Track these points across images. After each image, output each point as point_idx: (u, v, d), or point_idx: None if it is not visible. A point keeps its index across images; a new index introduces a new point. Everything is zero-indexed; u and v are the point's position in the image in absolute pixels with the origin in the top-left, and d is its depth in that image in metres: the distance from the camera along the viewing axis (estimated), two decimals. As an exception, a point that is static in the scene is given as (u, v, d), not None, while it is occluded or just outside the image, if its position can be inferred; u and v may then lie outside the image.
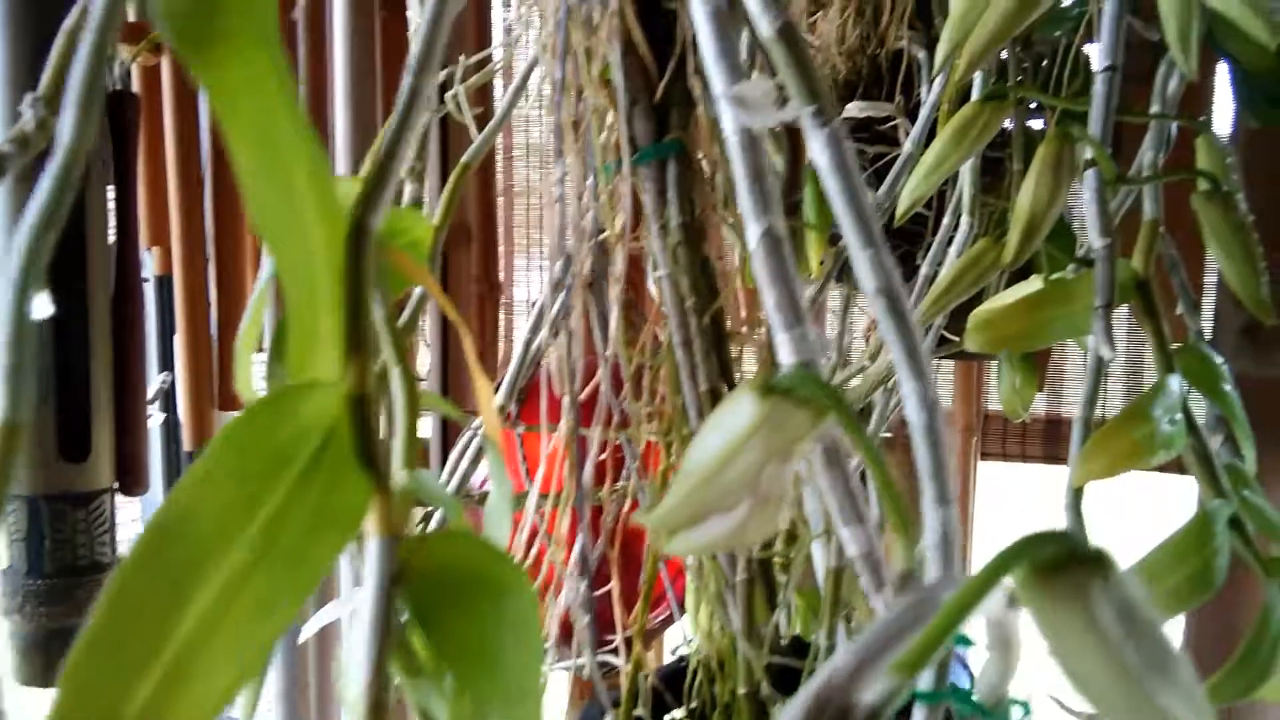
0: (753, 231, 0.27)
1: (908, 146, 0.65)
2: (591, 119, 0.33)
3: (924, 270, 0.63)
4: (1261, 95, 0.56)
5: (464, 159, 0.40)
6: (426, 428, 1.14)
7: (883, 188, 0.66)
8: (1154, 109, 0.53)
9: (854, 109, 0.69)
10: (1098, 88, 0.45)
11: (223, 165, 1.18)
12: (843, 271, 0.68)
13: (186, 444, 1.18)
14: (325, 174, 0.23)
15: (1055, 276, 0.42)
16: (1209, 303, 0.80)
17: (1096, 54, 0.47)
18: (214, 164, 1.18)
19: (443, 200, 0.38)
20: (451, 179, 0.39)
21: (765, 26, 0.25)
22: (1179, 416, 0.38)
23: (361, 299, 0.22)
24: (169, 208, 1.23)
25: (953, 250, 0.56)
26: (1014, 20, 0.44)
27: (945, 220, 0.59)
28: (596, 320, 0.39)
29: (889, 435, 0.78)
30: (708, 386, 0.34)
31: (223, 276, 1.21)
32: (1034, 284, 0.47)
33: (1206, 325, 0.78)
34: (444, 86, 0.39)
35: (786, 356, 0.27)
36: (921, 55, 0.68)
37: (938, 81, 0.57)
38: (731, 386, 0.35)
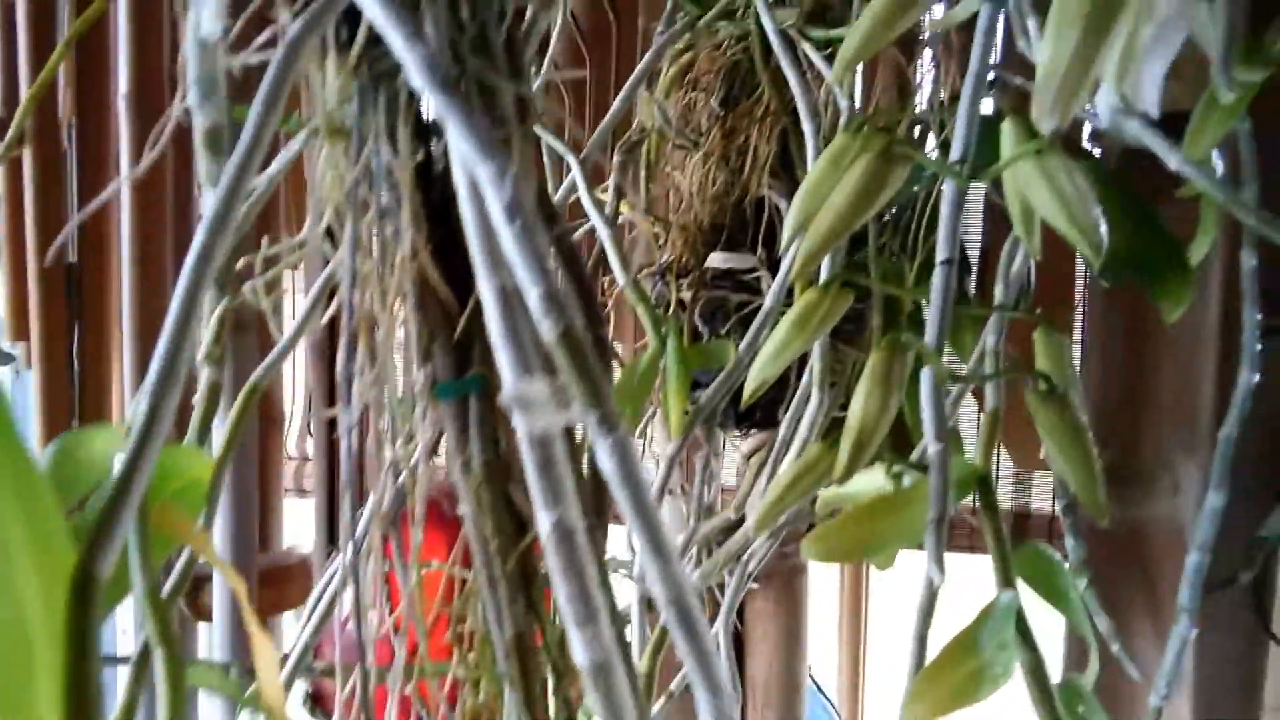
0: (543, 523, 0.26)
1: (769, 301, 0.65)
2: (385, 352, 0.32)
3: (782, 430, 0.62)
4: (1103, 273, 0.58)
5: (251, 380, 0.38)
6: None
7: (745, 341, 0.66)
8: (999, 287, 0.54)
9: (717, 260, 0.69)
10: (936, 282, 0.45)
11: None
12: (709, 419, 0.67)
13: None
14: (47, 512, 0.21)
15: (889, 490, 0.42)
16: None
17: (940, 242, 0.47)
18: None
19: (229, 424, 0.36)
20: (236, 407, 0.37)
21: (547, 330, 0.24)
22: (1009, 638, 0.37)
23: (87, 664, 0.20)
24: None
25: (804, 422, 0.55)
26: (853, 216, 0.44)
27: (803, 382, 0.59)
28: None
29: (756, 584, 0.77)
30: (514, 631, 0.33)
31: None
32: (877, 476, 0.46)
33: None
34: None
35: (581, 655, 0.25)
36: (783, 205, 0.68)
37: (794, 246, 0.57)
38: (544, 628, 0.34)
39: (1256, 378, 0.67)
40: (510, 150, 0.31)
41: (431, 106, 0.30)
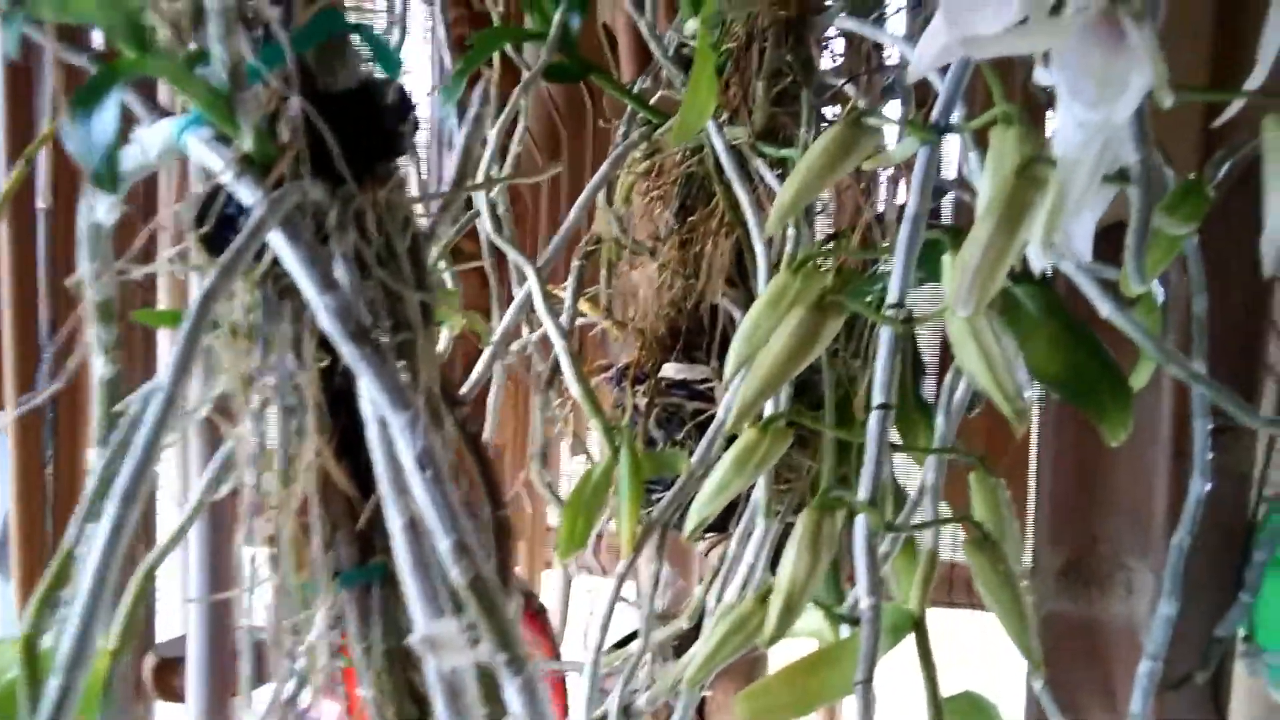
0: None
1: (721, 412, 0.65)
2: (289, 541, 0.32)
3: (733, 546, 0.63)
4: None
5: (142, 570, 0.38)
6: None
7: (698, 451, 0.66)
8: (940, 417, 0.54)
9: (671, 370, 0.70)
10: (871, 427, 0.46)
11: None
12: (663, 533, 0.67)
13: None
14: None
15: (826, 632, 0.42)
16: (1027, 540, 0.82)
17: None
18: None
19: (123, 612, 0.36)
20: (131, 595, 0.37)
21: (457, 576, 0.25)
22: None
23: None
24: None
25: (751, 544, 0.56)
26: (786, 370, 0.45)
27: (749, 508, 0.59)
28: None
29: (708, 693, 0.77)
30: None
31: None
32: (815, 618, 0.46)
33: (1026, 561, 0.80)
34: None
35: None
36: (737, 315, 0.69)
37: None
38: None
39: (1208, 486, 0.67)
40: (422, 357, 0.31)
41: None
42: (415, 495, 0.26)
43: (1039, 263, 0.42)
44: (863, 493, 0.44)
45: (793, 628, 0.45)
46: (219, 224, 0.29)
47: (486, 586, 0.25)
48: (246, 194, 0.27)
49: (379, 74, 0.31)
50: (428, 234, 0.33)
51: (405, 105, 0.31)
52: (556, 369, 0.70)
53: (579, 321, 0.80)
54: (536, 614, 0.98)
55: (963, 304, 0.35)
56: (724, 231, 0.69)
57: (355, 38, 0.30)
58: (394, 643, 0.33)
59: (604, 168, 0.70)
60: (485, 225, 0.70)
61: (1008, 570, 0.44)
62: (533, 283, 0.68)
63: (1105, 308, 0.45)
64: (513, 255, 0.69)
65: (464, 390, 0.75)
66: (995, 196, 0.35)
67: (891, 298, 0.48)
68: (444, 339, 0.88)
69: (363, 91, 0.30)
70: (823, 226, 0.74)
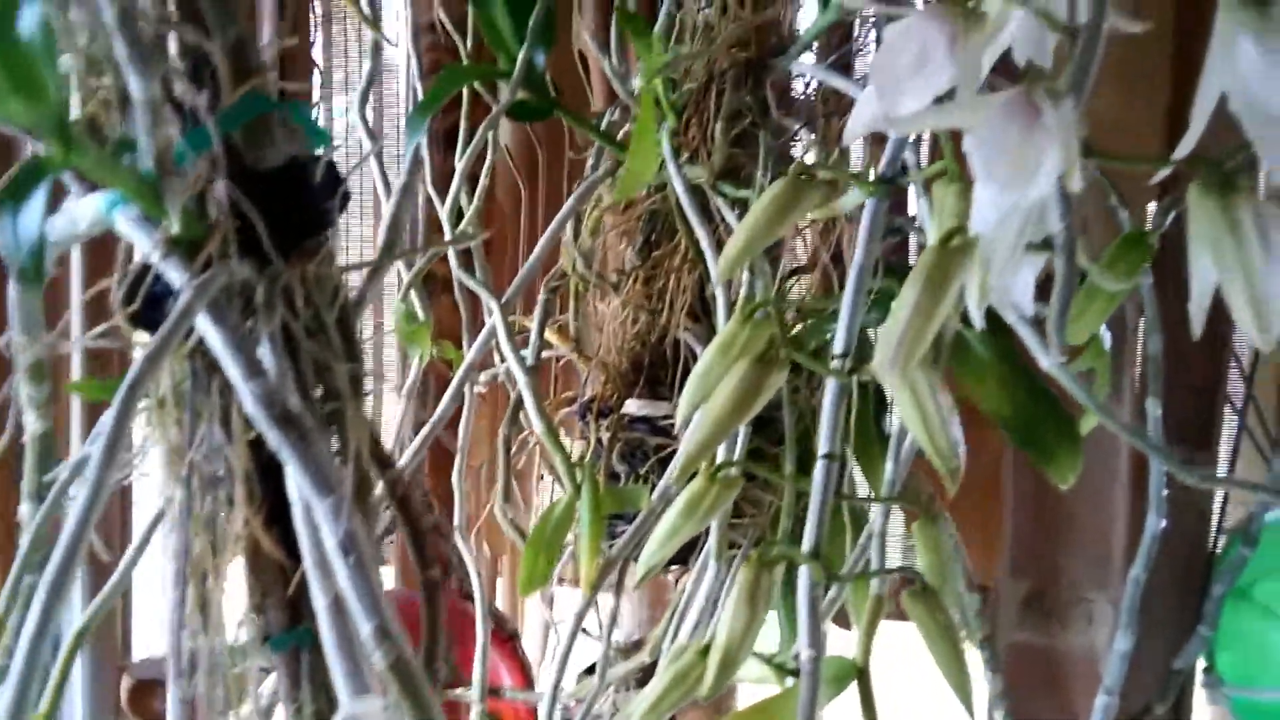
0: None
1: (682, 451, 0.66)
2: (218, 604, 0.32)
3: (689, 585, 0.63)
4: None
5: (78, 625, 0.39)
6: None
7: (657, 490, 0.67)
8: (889, 464, 0.55)
9: (633, 406, 0.71)
10: (816, 479, 0.46)
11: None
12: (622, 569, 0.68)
13: None
14: None
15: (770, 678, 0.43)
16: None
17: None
18: None
19: (55, 671, 0.36)
20: (64, 651, 0.37)
21: (379, 660, 0.25)
22: None
23: None
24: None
25: (704, 585, 0.56)
26: (730, 422, 0.45)
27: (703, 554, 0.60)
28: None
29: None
30: None
31: None
32: (759, 667, 0.47)
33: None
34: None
35: None
36: (699, 350, 0.70)
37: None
38: None
39: (1164, 523, 0.68)
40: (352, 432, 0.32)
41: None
42: (338, 578, 0.26)
43: (978, 320, 0.43)
44: (806, 543, 0.45)
45: (740, 675, 0.46)
46: (148, 302, 0.29)
47: (408, 669, 0.26)
48: (174, 275, 0.28)
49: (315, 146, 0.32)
50: (357, 301, 0.34)
51: (333, 180, 0.31)
52: (522, 402, 0.70)
53: (547, 354, 0.80)
54: (508, 640, 0.99)
55: (889, 369, 0.35)
56: (687, 267, 0.70)
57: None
58: (323, 704, 0.33)
59: (569, 202, 0.71)
60: (451, 261, 0.71)
61: (946, 620, 0.45)
62: (497, 319, 0.69)
63: (1045, 360, 0.46)
64: (478, 290, 0.70)
65: (435, 417, 0.76)
66: (920, 264, 0.35)
67: (838, 348, 0.48)
68: (414, 367, 0.89)
69: (290, 169, 0.30)
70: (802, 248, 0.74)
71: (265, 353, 0.28)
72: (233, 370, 0.27)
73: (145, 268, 0.29)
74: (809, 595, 0.44)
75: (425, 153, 0.94)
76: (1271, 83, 0.39)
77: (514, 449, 0.71)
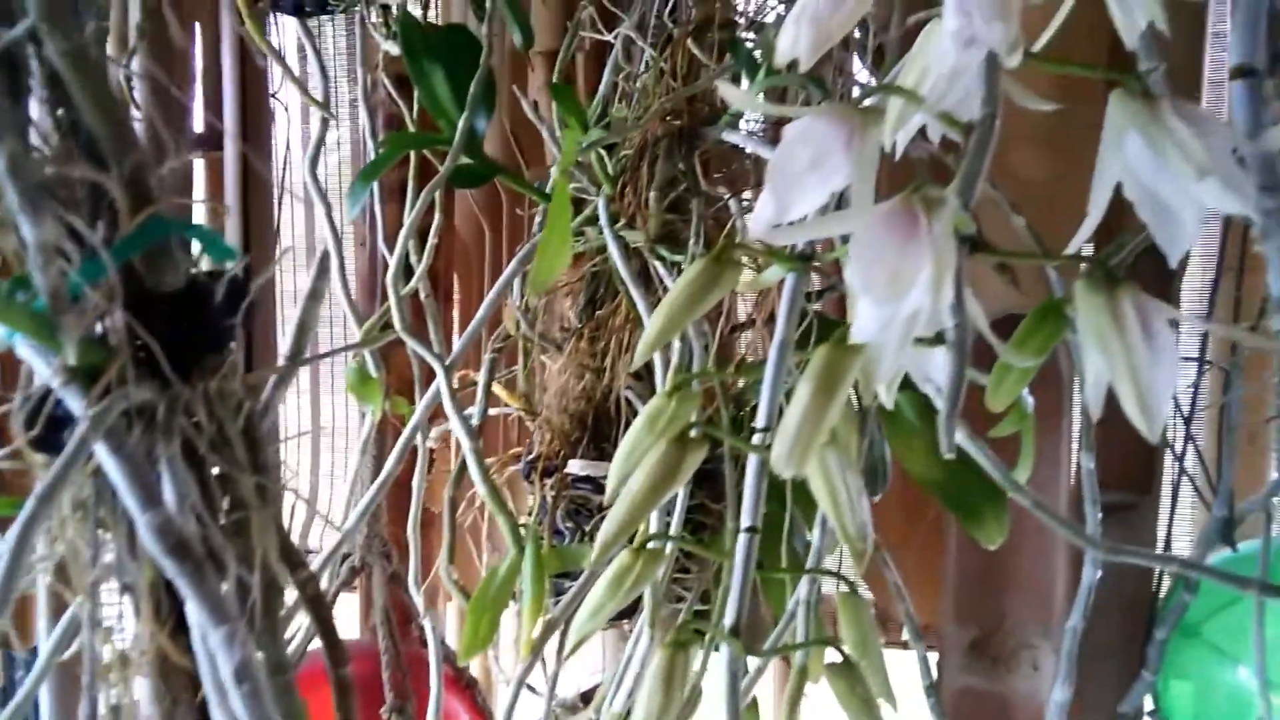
0: None
1: (623, 509, 0.67)
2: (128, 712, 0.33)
3: (629, 647, 0.64)
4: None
5: None
6: None
7: (597, 549, 0.67)
8: (815, 533, 0.56)
9: (576, 466, 0.71)
10: (738, 553, 0.47)
11: None
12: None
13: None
14: None
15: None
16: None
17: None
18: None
19: None
20: None
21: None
22: None
23: None
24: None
25: (639, 650, 0.57)
26: (647, 504, 0.46)
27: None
28: None
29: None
30: None
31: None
32: None
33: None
34: None
35: None
36: (641, 408, 0.70)
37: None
38: None
39: (1099, 574, 0.69)
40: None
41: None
42: (233, 704, 0.27)
43: (888, 402, 0.44)
44: (727, 619, 0.46)
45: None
46: (49, 425, 0.30)
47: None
48: (73, 402, 0.29)
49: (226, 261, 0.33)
50: (265, 408, 0.35)
51: (236, 295, 0.32)
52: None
53: (499, 410, 0.81)
54: (468, 688, 0.99)
55: (784, 466, 0.36)
56: (629, 327, 0.71)
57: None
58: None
59: (513, 264, 0.72)
60: (395, 323, 0.72)
61: (866, 694, 0.46)
62: (441, 381, 0.69)
63: (961, 431, 0.47)
64: (421, 352, 0.71)
65: (383, 475, 0.76)
66: (813, 363, 0.36)
67: (759, 422, 0.49)
68: (367, 422, 0.89)
69: (190, 289, 0.31)
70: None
71: (165, 476, 0.29)
72: (129, 500, 0.27)
73: (47, 391, 0.30)
74: (729, 673, 0.44)
75: (378, 209, 0.95)
76: (1158, 174, 0.40)
77: (460, 508, 0.72)
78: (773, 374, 0.49)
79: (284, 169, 1.46)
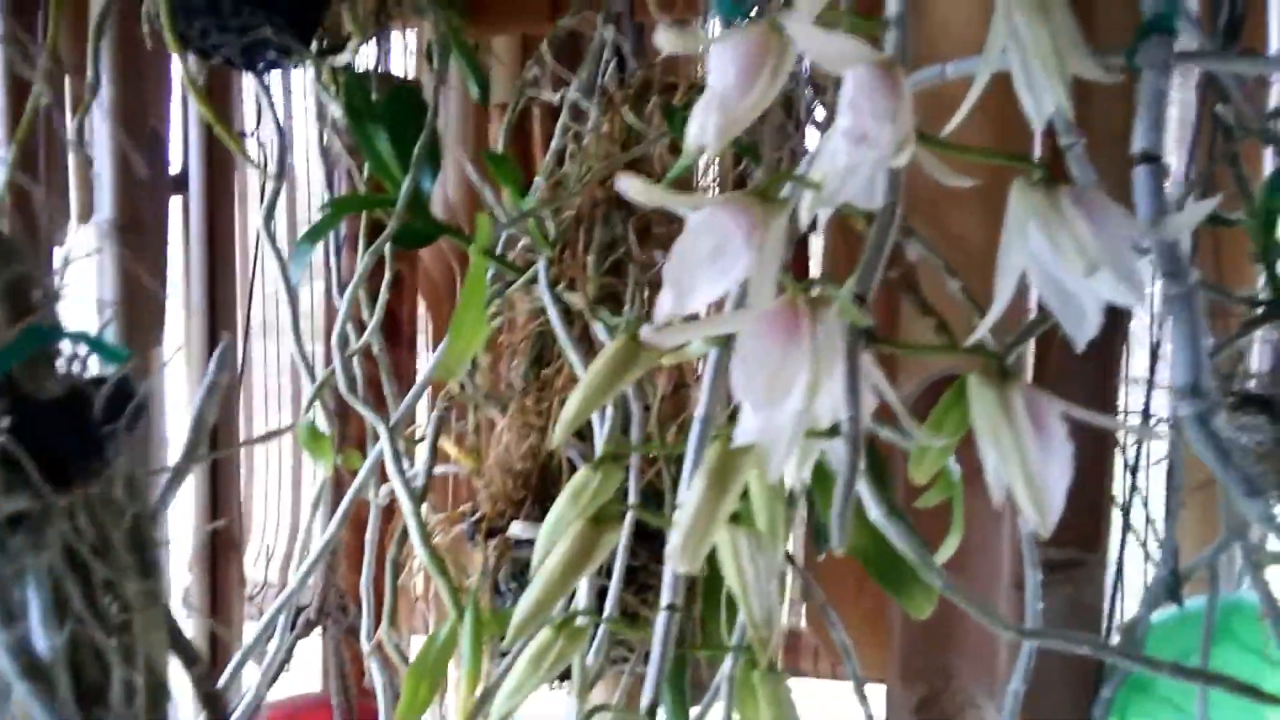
0: None
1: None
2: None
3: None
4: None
5: None
6: None
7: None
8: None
9: (517, 528, 0.71)
10: (658, 627, 0.47)
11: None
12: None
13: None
14: None
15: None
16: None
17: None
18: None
19: None
20: None
21: None
22: None
23: None
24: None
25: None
26: (563, 585, 0.46)
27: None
28: None
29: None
30: None
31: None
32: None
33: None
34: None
35: None
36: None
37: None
38: None
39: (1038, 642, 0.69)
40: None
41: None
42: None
43: (798, 487, 0.44)
44: (645, 699, 0.46)
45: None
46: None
47: None
48: (-55, 511, 0.29)
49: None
50: (157, 507, 0.35)
51: (121, 399, 0.32)
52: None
53: (448, 469, 0.81)
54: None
55: (678, 561, 0.37)
56: (570, 388, 0.71)
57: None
58: None
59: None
60: (340, 386, 0.72)
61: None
62: (384, 441, 0.70)
63: (874, 511, 0.47)
64: (364, 413, 0.71)
65: (328, 535, 0.77)
66: (706, 459, 0.37)
67: (682, 495, 0.49)
68: (319, 478, 0.89)
69: (71, 397, 0.31)
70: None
71: (32, 592, 0.29)
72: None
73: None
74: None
75: (332, 260, 0.95)
76: (1059, 263, 0.40)
77: (412, 568, 0.72)
78: (694, 449, 0.50)
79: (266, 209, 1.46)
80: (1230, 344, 0.67)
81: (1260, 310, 0.66)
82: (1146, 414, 0.81)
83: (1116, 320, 0.80)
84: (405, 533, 0.73)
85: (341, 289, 0.91)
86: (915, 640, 0.81)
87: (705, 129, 0.42)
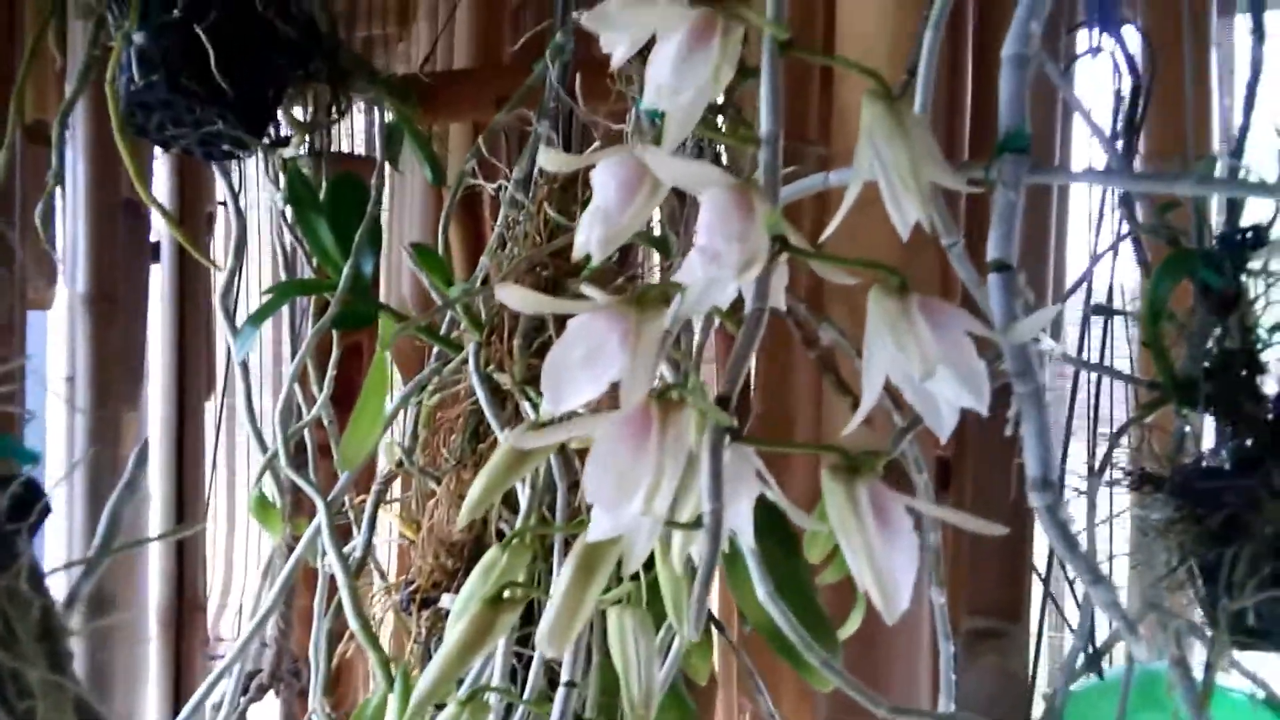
0: None
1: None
2: None
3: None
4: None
5: None
6: None
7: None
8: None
9: (447, 601, 0.74)
10: (555, 709, 0.50)
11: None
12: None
13: None
14: None
15: None
16: None
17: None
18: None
19: None
20: None
21: None
22: None
23: None
24: None
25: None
26: (459, 665, 0.49)
27: None
28: None
29: None
30: None
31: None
32: None
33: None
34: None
35: None
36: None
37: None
38: None
39: (953, 706, 0.71)
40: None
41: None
42: None
43: (679, 567, 0.47)
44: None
45: None
46: None
47: None
48: None
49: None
50: (69, 600, 0.37)
51: (29, 499, 0.35)
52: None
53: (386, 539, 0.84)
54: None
55: (546, 646, 0.39)
56: (505, 463, 0.74)
57: None
58: None
59: (397, 401, 0.75)
60: (280, 461, 0.75)
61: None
62: (321, 516, 0.72)
63: (761, 590, 0.50)
64: (305, 489, 0.74)
65: (270, 603, 0.79)
66: (574, 551, 0.40)
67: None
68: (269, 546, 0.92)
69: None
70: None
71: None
72: None
73: None
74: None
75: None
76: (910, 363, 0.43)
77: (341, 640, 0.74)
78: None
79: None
80: (1130, 426, 0.70)
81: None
82: (1061, 485, 0.84)
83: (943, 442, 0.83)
84: (339, 608, 0.76)
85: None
86: (839, 708, 0.83)
87: (590, 239, 0.45)
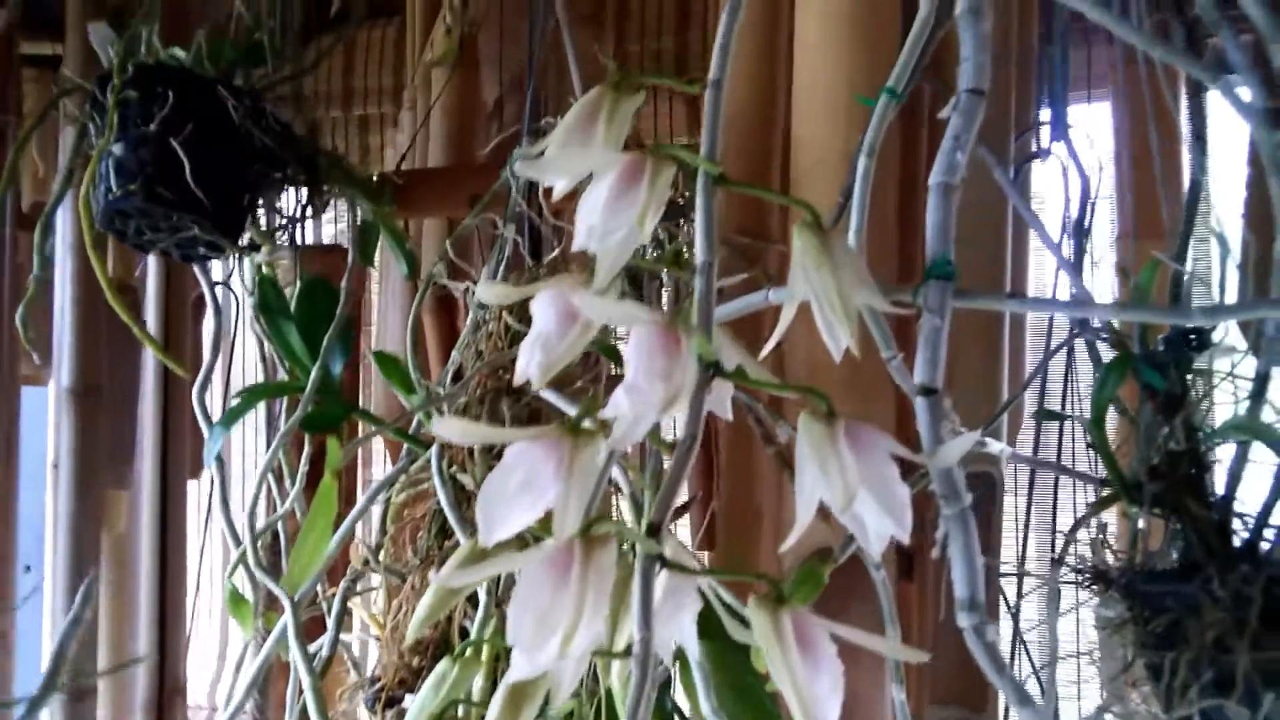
0: None
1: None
2: None
3: None
4: None
5: None
6: None
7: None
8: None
9: (409, 702, 0.75)
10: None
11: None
12: None
13: None
14: None
15: None
16: None
17: None
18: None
19: None
20: None
21: None
22: None
23: None
24: None
25: None
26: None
27: None
28: None
29: None
30: None
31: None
32: None
33: None
34: None
35: None
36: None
37: None
38: None
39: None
40: None
41: None
42: None
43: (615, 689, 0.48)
44: None
45: None
46: None
47: None
48: None
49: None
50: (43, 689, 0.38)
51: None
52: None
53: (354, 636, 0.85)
54: None
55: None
56: (470, 561, 0.75)
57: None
58: None
59: (363, 500, 0.77)
60: (249, 560, 0.76)
61: None
62: (288, 616, 0.73)
63: (705, 705, 0.51)
64: (273, 588, 0.75)
65: (240, 697, 0.79)
66: (500, 689, 0.41)
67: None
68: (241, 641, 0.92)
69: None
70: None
71: None
72: None
73: None
74: None
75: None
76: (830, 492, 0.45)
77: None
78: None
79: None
80: (1079, 526, 0.71)
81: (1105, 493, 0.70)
82: (1021, 574, 0.85)
83: (991, 491, 0.85)
84: (304, 710, 0.76)
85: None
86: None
87: (530, 365, 0.47)
